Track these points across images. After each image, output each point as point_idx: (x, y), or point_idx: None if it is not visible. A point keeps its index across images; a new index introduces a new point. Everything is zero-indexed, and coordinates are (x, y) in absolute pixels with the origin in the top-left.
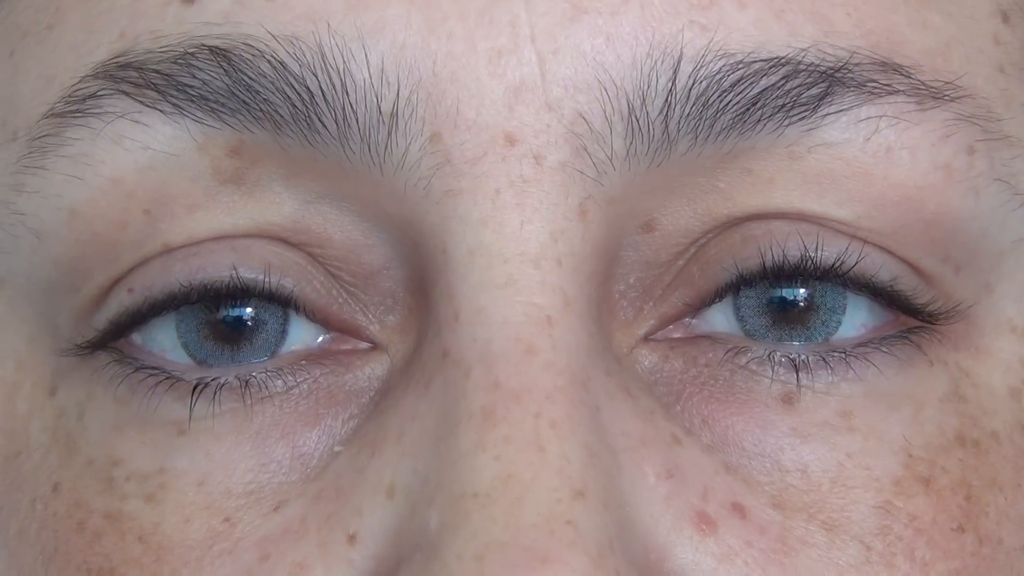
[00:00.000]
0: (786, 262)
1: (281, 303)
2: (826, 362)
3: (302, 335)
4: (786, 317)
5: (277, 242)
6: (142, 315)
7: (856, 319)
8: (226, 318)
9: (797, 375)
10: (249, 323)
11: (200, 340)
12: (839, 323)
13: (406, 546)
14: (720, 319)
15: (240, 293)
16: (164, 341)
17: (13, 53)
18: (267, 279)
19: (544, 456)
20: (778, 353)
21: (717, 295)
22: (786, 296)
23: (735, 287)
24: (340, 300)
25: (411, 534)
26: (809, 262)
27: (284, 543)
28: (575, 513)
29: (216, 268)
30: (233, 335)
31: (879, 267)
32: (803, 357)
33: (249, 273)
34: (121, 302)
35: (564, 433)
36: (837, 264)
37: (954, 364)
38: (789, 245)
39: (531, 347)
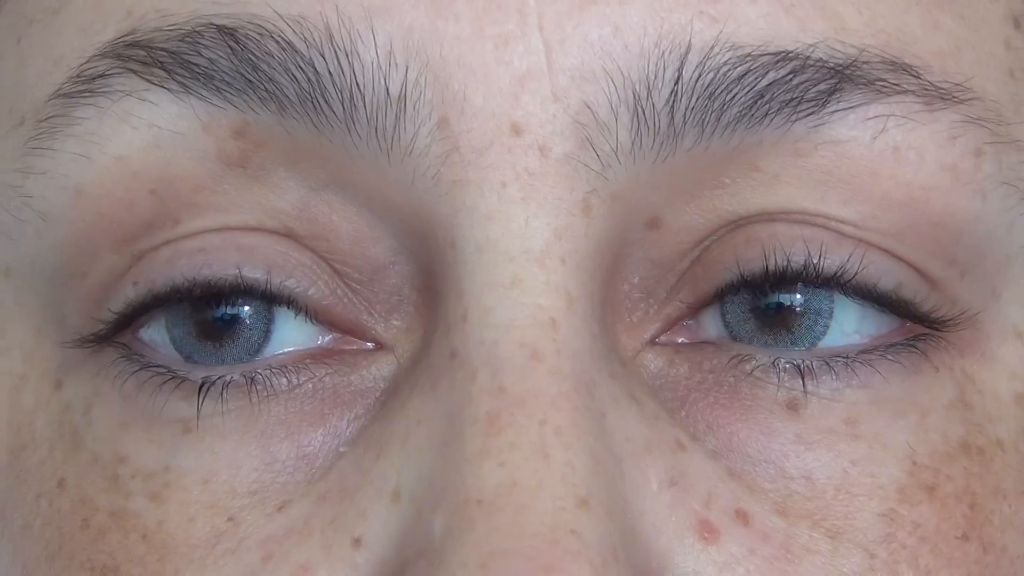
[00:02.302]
0: (789, 268)
1: (281, 303)
2: (831, 368)
3: (291, 337)
4: (771, 322)
5: (282, 239)
6: (145, 307)
7: (846, 325)
8: (214, 317)
9: (803, 381)
10: (235, 323)
11: (185, 335)
12: (826, 327)
13: (411, 551)
14: (711, 324)
15: (243, 293)
16: (156, 337)
17: (20, 40)
18: (270, 280)
19: (549, 464)
20: (783, 360)
21: (718, 296)
22: (770, 302)
23: (736, 288)
24: (345, 300)
25: (416, 539)
26: (811, 269)
27: (288, 544)
28: (579, 522)
29: (221, 266)
30: (217, 332)
31: (882, 274)
32: (807, 363)
33: (253, 273)
34: (126, 294)
35: (569, 440)
36: (839, 273)
37: (959, 370)
38: (793, 250)
39: (536, 352)
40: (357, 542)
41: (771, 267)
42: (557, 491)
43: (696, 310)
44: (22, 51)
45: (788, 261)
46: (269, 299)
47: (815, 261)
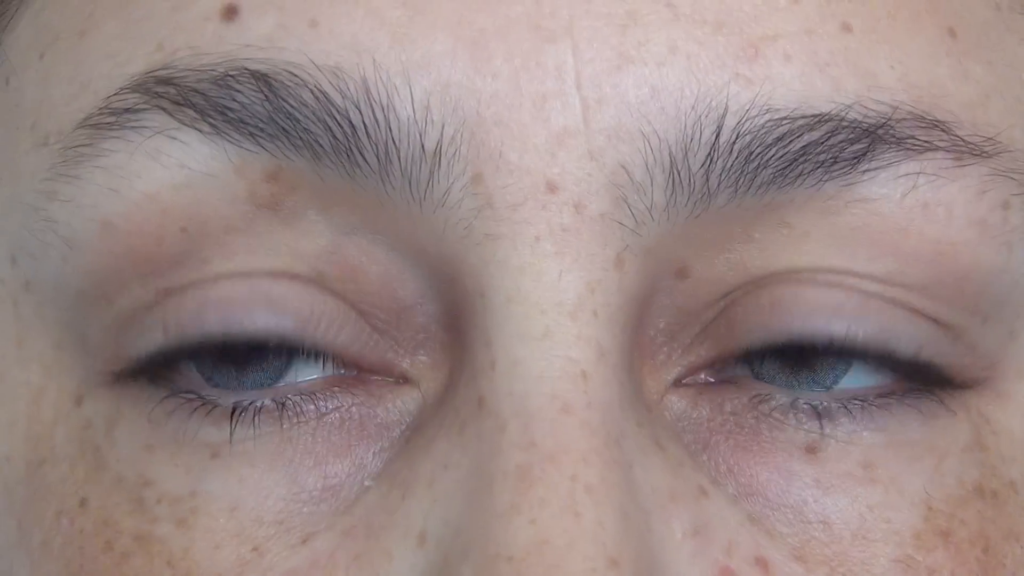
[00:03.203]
0: (814, 343)
1: (311, 356)
2: (848, 410)
3: (313, 364)
4: (793, 361)
5: (310, 286)
6: (174, 356)
7: (869, 364)
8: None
9: (820, 423)
10: (257, 350)
11: (206, 359)
12: (848, 366)
13: None
14: (733, 362)
15: (273, 342)
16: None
17: (43, 56)
18: (299, 334)
19: (579, 522)
20: (801, 401)
21: (743, 355)
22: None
23: (760, 354)
24: (371, 344)
25: None
26: (834, 347)
27: None
28: None
29: (251, 323)
30: (239, 357)
31: (902, 341)
32: (825, 405)
33: (282, 328)
34: (155, 339)
35: (599, 498)
36: (861, 349)
37: (975, 410)
38: (817, 329)
39: (567, 405)
40: None
41: (795, 339)
42: (588, 551)
43: (722, 364)
44: (46, 67)
45: (813, 339)
46: (297, 351)
47: (838, 344)
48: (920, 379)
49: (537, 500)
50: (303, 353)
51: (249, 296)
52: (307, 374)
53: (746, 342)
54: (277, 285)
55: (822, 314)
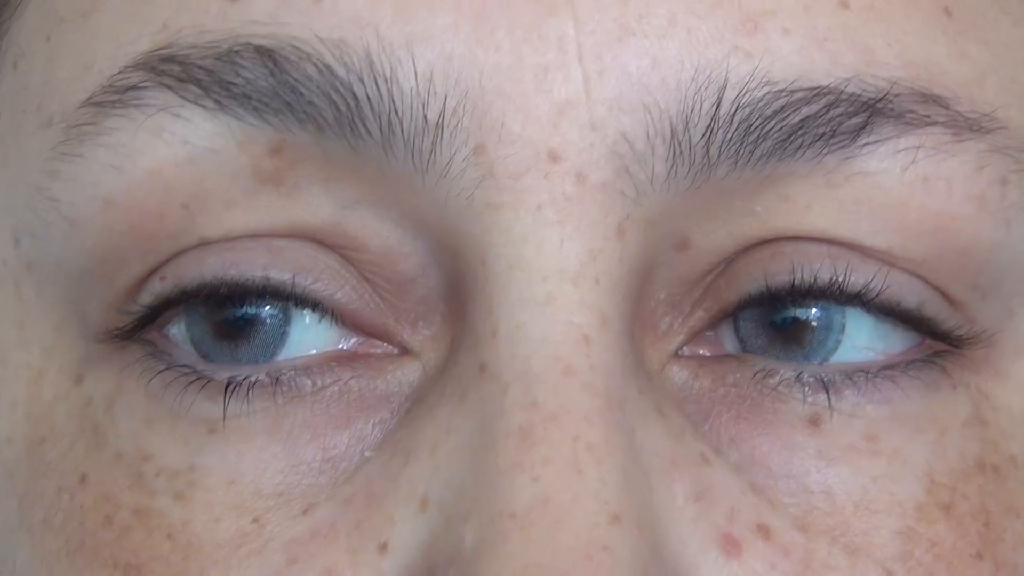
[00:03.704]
0: (816, 283)
1: (305, 306)
2: (853, 382)
3: (308, 338)
4: (783, 336)
5: (312, 243)
6: (173, 301)
7: (858, 340)
8: (232, 317)
9: (827, 395)
10: (252, 323)
11: (202, 335)
12: (837, 343)
13: (439, 560)
14: (725, 337)
15: (269, 294)
16: (176, 334)
17: (49, 38)
18: (295, 283)
19: (582, 480)
20: (805, 374)
21: (740, 306)
22: (779, 318)
23: (760, 300)
24: (372, 305)
25: (445, 548)
26: (837, 285)
27: (313, 547)
28: (612, 538)
29: (249, 267)
30: (233, 333)
31: (905, 293)
32: (831, 377)
33: (280, 275)
34: (153, 289)
35: (601, 456)
36: (863, 291)
37: (975, 387)
38: (820, 267)
39: (569, 367)
40: (383, 548)
41: (798, 281)
42: (591, 507)
43: (718, 320)
44: (51, 49)
45: (815, 277)
46: (294, 301)
47: (841, 278)
48: (923, 330)
49: (540, 459)
50: (300, 304)
51: (250, 245)
52: (304, 337)
53: (745, 292)
54: (278, 240)
55: (825, 262)
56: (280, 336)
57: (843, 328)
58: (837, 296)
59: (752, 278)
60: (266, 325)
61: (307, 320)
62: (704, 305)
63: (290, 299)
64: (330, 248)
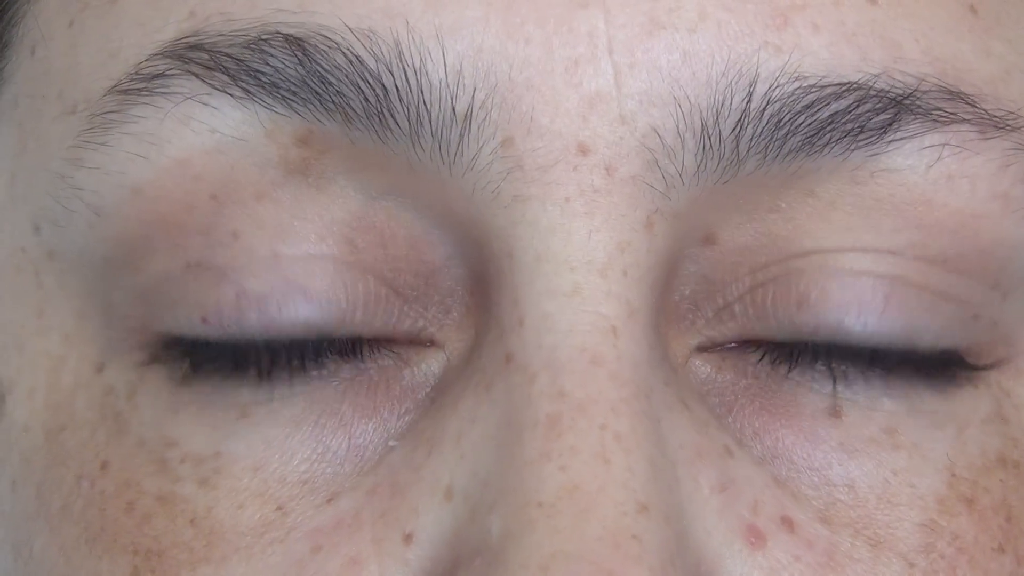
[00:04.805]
0: (837, 340)
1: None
2: (865, 376)
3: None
4: None
5: (343, 267)
6: (215, 344)
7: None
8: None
9: (834, 386)
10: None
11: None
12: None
13: (465, 550)
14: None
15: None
16: None
17: (72, 24)
18: (340, 324)
19: (609, 469)
20: (819, 363)
21: (767, 343)
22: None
23: (788, 350)
24: (401, 317)
25: (470, 538)
26: (857, 344)
27: (337, 536)
28: (639, 527)
29: (290, 313)
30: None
31: (923, 334)
32: (843, 368)
33: (319, 316)
34: (192, 326)
35: (629, 446)
36: (885, 347)
37: (996, 384)
38: (843, 324)
39: (596, 357)
40: (408, 538)
41: (820, 337)
42: (618, 496)
43: (746, 344)
44: (74, 35)
45: (837, 336)
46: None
47: (863, 341)
48: (940, 364)
49: (567, 448)
50: (337, 342)
51: (285, 289)
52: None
53: (774, 335)
54: (311, 276)
55: (848, 312)
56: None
57: None
58: (856, 349)
59: (779, 326)
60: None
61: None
62: (729, 325)
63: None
64: (360, 263)
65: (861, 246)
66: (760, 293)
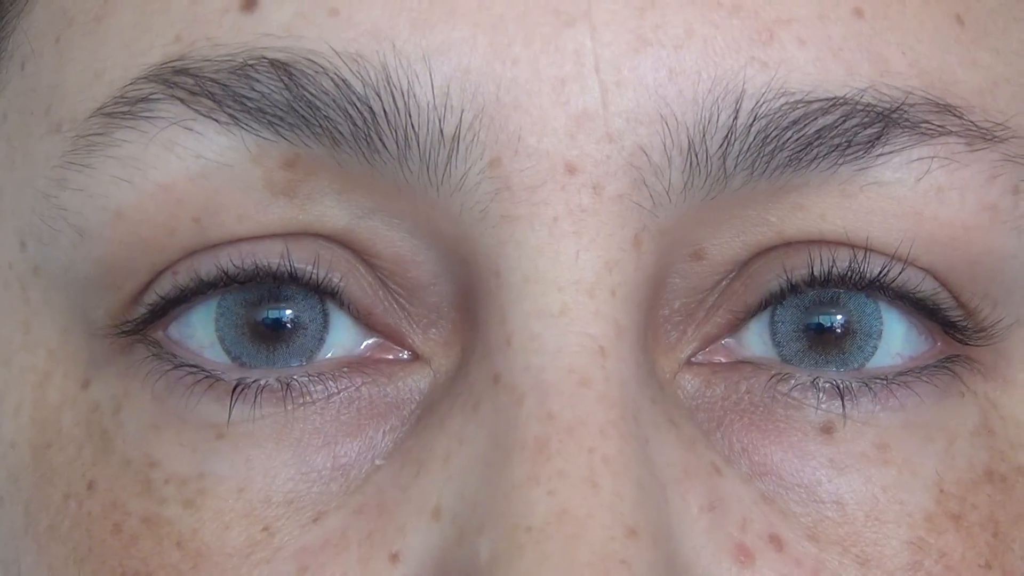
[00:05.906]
0: (834, 270)
1: (327, 296)
2: (870, 389)
3: (342, 340)
4: (822, 341)
5: (328, 240)
6: (186, 294)
7: (892, 347)
8: (266, 318)
9: (842, 402)
10: (288, 325)
11: (238, 337)
12: (875, 348)
13: (453, 572)
14: (757, 343)
15: (288, 280)
16: (202, 337)
17: (59, 40)
18: (315, 270)
19: (598, 493)
20: (821, 380)
21: (761, 306)
22: (823, 322)
23: (780, 296)
24: (385, 303)
25: (458, 560)
26: (855, 273)
27: (323, 556)
28: (628, 552)
29: (266, 255)
30: (272, 336)
31: (921, 280)
32: (847, 384)
33: (298, 263)
34: (163, 285)
35: (617, 469)
36: (881, 275)
37: (983, 395)
38: (837, 255)
39: (585, 379)
40: (395, 558)
41: (816, 271)
42: (606, 521)
43: (737, 325)
44: (60, 52)
45: (833, 262)
46: (317, 289)
47: (859, 266)
48: (940, 321)
49: (556, 472)
50: (322, 294)
51: (266, 240)
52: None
53: (766, 290)
54: (293, 236)
55: (841, 251)
56: (318, 342)
57: (881, 335)
58: (857, 282)
59: (771, 276)
60: (305, 330)
61: (341, 320)
62: (720, 312)
63: (312, 286)
64: (345, 247)
65: (854, 243)
66: (750, 265)
